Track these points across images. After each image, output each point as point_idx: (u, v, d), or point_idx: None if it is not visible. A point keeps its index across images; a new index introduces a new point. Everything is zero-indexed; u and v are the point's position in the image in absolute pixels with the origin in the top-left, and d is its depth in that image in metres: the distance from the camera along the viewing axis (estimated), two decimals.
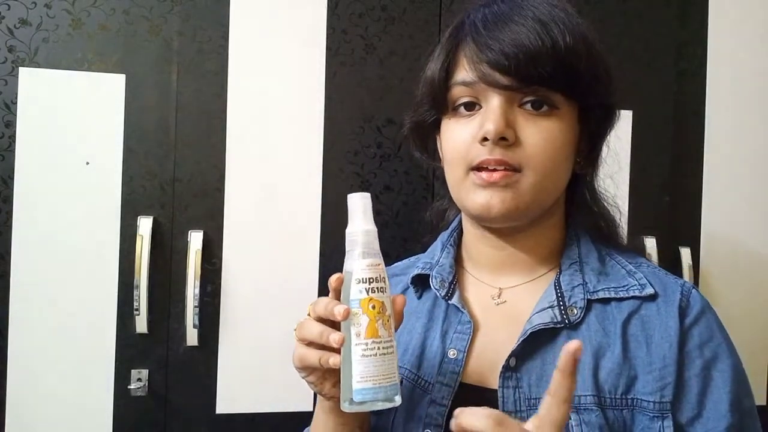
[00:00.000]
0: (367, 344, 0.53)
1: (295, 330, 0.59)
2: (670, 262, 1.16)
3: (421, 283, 0.72)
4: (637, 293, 0.62)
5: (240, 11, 1.06)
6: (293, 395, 1.07)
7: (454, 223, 0.76)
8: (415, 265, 0.76)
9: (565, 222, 0.69)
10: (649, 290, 0.62)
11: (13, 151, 0.99)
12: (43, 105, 1.00)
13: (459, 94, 0.62)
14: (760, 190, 1.22)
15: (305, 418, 1.06)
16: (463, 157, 0.61)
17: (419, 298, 0.72)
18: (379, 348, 0.53)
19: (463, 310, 0.66)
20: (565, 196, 0.68)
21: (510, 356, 0.61)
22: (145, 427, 1.03)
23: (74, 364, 1.01)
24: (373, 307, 0.53)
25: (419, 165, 1.11)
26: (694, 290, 0.63)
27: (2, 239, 0.99)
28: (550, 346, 0.61)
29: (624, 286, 0.63)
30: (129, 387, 1.02)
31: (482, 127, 0.59)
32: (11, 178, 0.99)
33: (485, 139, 0.59)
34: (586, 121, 0.64)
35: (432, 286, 0.69)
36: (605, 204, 0.72)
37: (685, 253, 1.16)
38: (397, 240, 1.10)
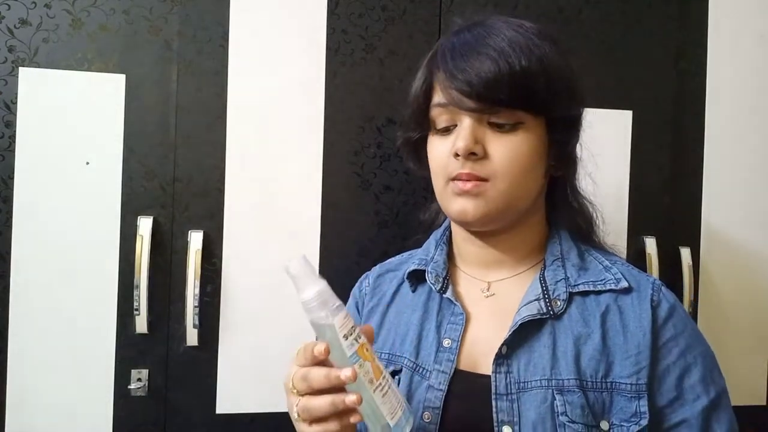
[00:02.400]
0: (381, 384, 0.57)
1: (296, 415, 0.61)
2: (670, 262, 1.16)
3: (416, 278, 0.79)
4: (613, 287, 0.70)
5: (240, 11, 1.06)
6: None
7: (446, 223, 0.82)
8: (407, 261, 0.83)
9: (547, 221, 0.76)
10: (624, 284, 0.69)
11: (13, 151, 0.99)
12: (43, 105, 1.00)
13: (437, 114, 0.71)
14: (760, 190, 1.22)
15: None
16: (443, 170, 0.70)
17: (413, 291, 0.78)
18: (387, 380, 0.58)
19: (456, 302, 0.73)
20: (545, 197, 0.75)
21: (502, 345, 0.67)
22: (145, 427, 1.03)
23: (74, 364, 1.01)
24: (367, 350, 0.58)
25: None
26: (663, 287, 0.71)
27: (2, 239, 0.99)
28: (537, 335, 0.68)
29: (601, 280, 0.70)
30: (129, 387, 1.02)
31: (455, 144, 0.68)
32: (11, 178, 0.99)
33: (457, 154, 0.67)
34: (553, 130, 0.70)
35: (428, 281, 0.76)
36: (584, 202, 0.79)
37: (685, 253, 1.16)
38: (397, 240, 1.10)
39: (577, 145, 0.75)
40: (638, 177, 1.17)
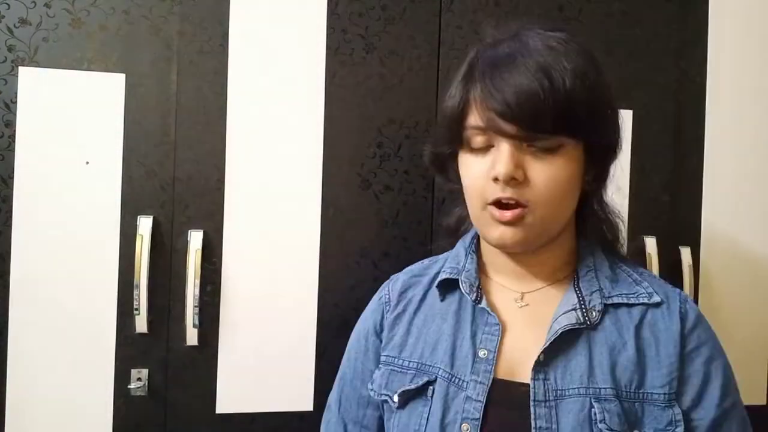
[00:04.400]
0: None
1: None
2: (670, 262, 1.16)
3: (445, 286, 0.77)
4: (645, 300, 0.71)
5: (240, 11, 1.06)
6: (293, 395, 1.07)
7: (474, 231, 0.81)
8: (431, 266, 0.83)
9: (576, 232, 0.76)
10: (656, 298, 0.71)
11: (13, 151, 0.99)
12: (43, 105, 1.00)
13: (473, 135, 0.69)
14: (760, 190, 1.22)
15: (305, 417, 1.07)
16: (480, 194, 0.69)
17: (442, 300, 0.77)
18: None
19: (491, 313, 0.72)
20: (577, 211, 0.75)
21: (541, 352, 0.68)
22: (145, 427, 1.03)
23: (74, 364, 1.01)
24: None
25: (419, 165, 1.11)
26: (689, 299, 0.73)
27: (2, 239, 0.99)
28: (573, 344, 0.69)
29: (634, 293, 0.72)
30: (129, 387, 1.02)
31: (494, 168, 0.66)
32: (11, 177, 0.99)
33: (497, 179, 0.66)
34: (592, 153, 0.69)
35: (462, 291, 0.75)
36: (612, 213, 0.79)
37: (685, 253, 1.16)
38: (398, 240, 1.10)
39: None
40: (638, 177, 1.17)
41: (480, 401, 0.68)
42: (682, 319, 0.70)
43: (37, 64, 1.00)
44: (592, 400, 0.65)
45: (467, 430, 0.67)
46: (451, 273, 0.77)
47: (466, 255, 0.79)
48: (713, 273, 1.20)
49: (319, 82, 1.08)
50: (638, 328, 0.70)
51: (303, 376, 1.07)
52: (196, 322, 1.02)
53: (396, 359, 0.76)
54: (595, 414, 0.65)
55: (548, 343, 0.68)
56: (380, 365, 0.78)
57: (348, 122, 1.09)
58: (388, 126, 1.10)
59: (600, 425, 0.64)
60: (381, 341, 0.80)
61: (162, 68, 1.04)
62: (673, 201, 1.19)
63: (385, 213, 1.10)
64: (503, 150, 0.65)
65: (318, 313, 1.07)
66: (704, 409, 0.68)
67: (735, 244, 1.21)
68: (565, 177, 0.67)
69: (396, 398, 0.73)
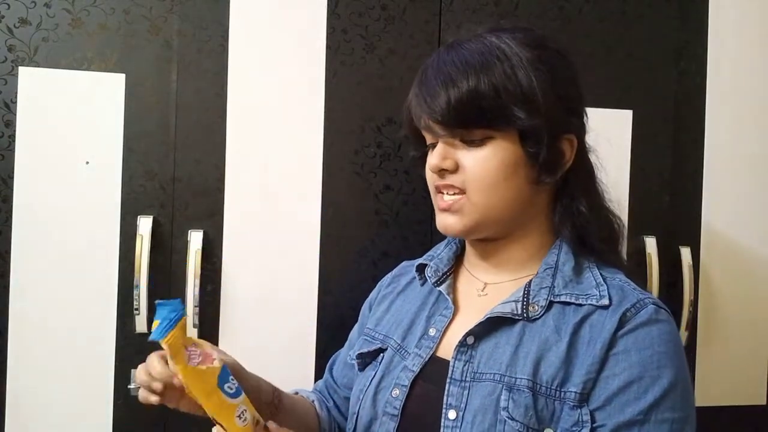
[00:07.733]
0: None
1: None
2: (670, 262, 1.16)
3: (422, 271, 0.84)
4: (594, 302, 0.69)
5: (240, 11, 1.06)
6: None
7: None
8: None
9: (553, 230, 0.77)
10: (605, 301, 0.69)
11: (12, 151, 0.99)
12: (43, 104, 1.00)
13: (425, 134, 0.77)
14: (760, 190, 1.22)
15: None
16: (430, 185, 0.77)
17: (422, 285, 0.84)
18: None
19: (447, 297, 0.78)
20: (552, 206, 0.76)
21: (467, 334, 0.72)
22: (145, 427, 1.03)
23: (74, 363, 1.01)
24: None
25: (419, 165, 1.11)
26: (651, 305, 0.68)
27: (2, 239, 0.99)
28: (505, 332, 0.71)
29: (586, 295, 0.70)
30: (129, 387, 1.02)
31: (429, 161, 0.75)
32: (11, 177, 0.99)
33: (432, 170, 0.74)
34: (524, 141, 0.71)
35: (426, 274, 0.82)
36: (599, 211, 0.76)
37: (685, 253, 1.16)
38: (398, 240, 1.10)
39: (566, 152, 0.73)
40: (638, 177, 1.17)
41: (413, 371, 0.74)
42: (621, 320, 0.66)
43: (37, 64, 1.00)
44: (504, 388, 0.67)
45: (396, 395, 0.74)
46: (425, 259, 0.84)
47: (446, 244, 0.85)
48: (713, 273, 1.20)
49: (319, 82, 1.08)
50: (577, 326, 0.68)
51: (303, 375, 1.07)
52: (196, 322, 1.02)
53: (372, 331, 0.85)
54: (501, 401, 0.66)
55: (474, 327, 0.71)
56: (362, 335, 0.87)
57: (348, 122, 1.09)
58: (388, 126, 1.10)
59: (503, 413, 0.65)
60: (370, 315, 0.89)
61: (162, 68, 1.04)
62: (672, 201, 1.19)
63: (385, 213, 1.10)
64: (438, 144, 0.74)
65: (318, 313, 1.07)
66: (608, 413, 0.63)
67: (735, 244, 1.21)
68: (494, 164, 0.71)
69: (356, 361, 0.83)
